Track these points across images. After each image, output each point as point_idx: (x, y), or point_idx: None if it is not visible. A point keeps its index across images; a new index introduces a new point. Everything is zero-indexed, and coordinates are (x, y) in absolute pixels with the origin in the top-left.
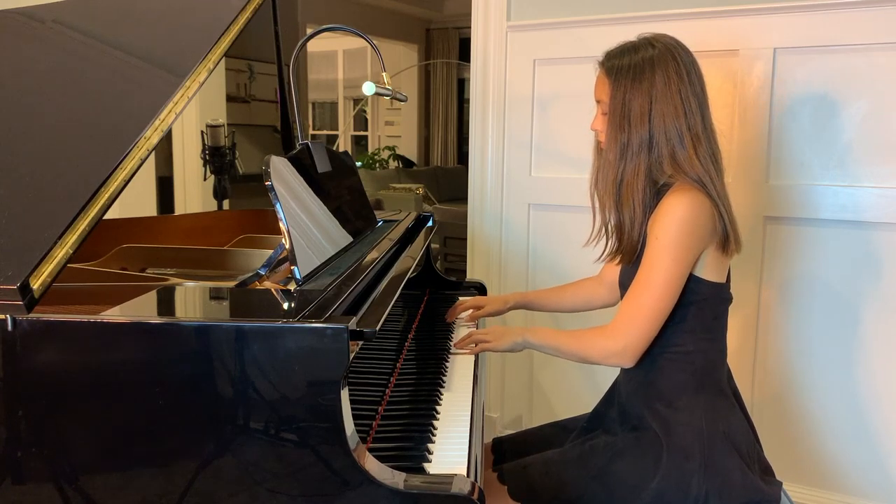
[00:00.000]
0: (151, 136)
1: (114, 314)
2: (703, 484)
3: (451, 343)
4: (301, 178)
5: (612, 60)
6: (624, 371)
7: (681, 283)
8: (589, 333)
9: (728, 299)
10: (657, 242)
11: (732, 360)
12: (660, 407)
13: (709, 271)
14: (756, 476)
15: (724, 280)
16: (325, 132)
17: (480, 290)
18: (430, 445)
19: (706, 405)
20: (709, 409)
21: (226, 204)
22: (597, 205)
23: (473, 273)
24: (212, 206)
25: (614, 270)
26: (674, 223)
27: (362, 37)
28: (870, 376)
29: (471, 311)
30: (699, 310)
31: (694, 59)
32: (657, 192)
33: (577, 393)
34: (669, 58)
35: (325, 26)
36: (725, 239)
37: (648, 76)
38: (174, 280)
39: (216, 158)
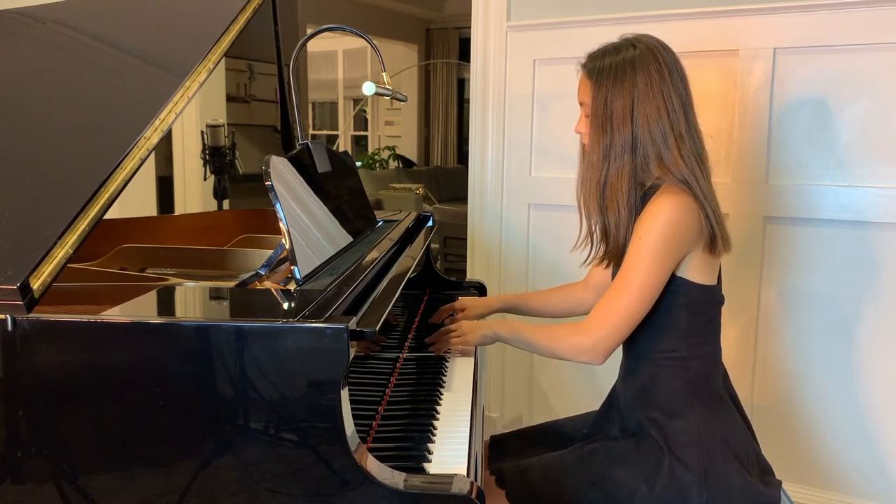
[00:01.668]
0: (151, 136)
1: (114, 314)
2: (704, 493)
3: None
4: (301, 178)
5: (593, 62)
6: (621, 378)
7: (660, 285)
8: (561, 329)
9: (720, 301)
10: (640, 243)
11: (732, 361)
12: (657, 415)
13: (698, 273)
14: (755, 479)
15: (714, 281)
16: (325, 132)
17: (480, 289)
18: (430, 445)
19: (703, 411)
20: (706, 415)
21: (226, 204)
22: (582, 208)
23: (473, 273)
24: (212, 206)
25: (601, 274)
26: (658, 225)
27: (362, 37)
28: (870, 376)
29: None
30: (691, 314)
31: (676, 58)
32: (644, 195)
33: (576, 393)
34: (651, 58)
35: (325, 26)
36: (712, 240)
37: (630, 76)
38: (174, 280)
39: (216, 158)
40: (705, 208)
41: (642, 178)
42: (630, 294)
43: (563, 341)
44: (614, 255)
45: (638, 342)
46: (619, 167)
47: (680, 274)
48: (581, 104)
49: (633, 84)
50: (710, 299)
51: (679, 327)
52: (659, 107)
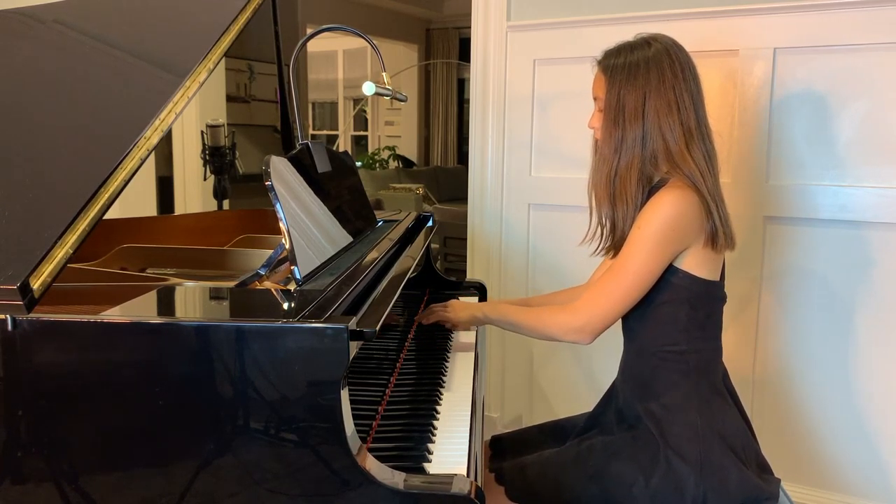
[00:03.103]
0: (151, 136)
1: (114, 314)
2: (701, 484)
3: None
4: (301, 178)
5: (608, 59)
6: (621, 372)
7: (654, 275)
8: (551, 309)
9: (722, 298)
10: (639, 232)
11: (732, 360)
12: (655, 407)
13: (700, 267)
14: (753, 473)
15: (717, 277)
16: (325, 132)
17: (480, 289)
18: (430, 445)
19: (701, 404)
20: (704, 409)
21: (226, 204)
22: (593, 201)
23: (473, 273)
24: (212, 206)
25: None
26: (658, 217)
27: (362, 37)
28: (869, 376)
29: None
30: (692, 308)
31: (690, 58)
32: (651, 190)
33: (576, 392)
34: (665, 56)
35: (325, 26)
36: (713, 236)
37: (643, 73)
38: (174, 280)
39: (216, 158)
40: (709, 204)
41: (650, 173)
42: (625, 280)
43: (553, 321)
44: (620, 246)
45: (638, 335)
46: (629, 160)
47: (682, 267)
48: (595, 99)
49: (647, 80)
50: (711, 294)
51: (679, 321)
52: (670, 103)
